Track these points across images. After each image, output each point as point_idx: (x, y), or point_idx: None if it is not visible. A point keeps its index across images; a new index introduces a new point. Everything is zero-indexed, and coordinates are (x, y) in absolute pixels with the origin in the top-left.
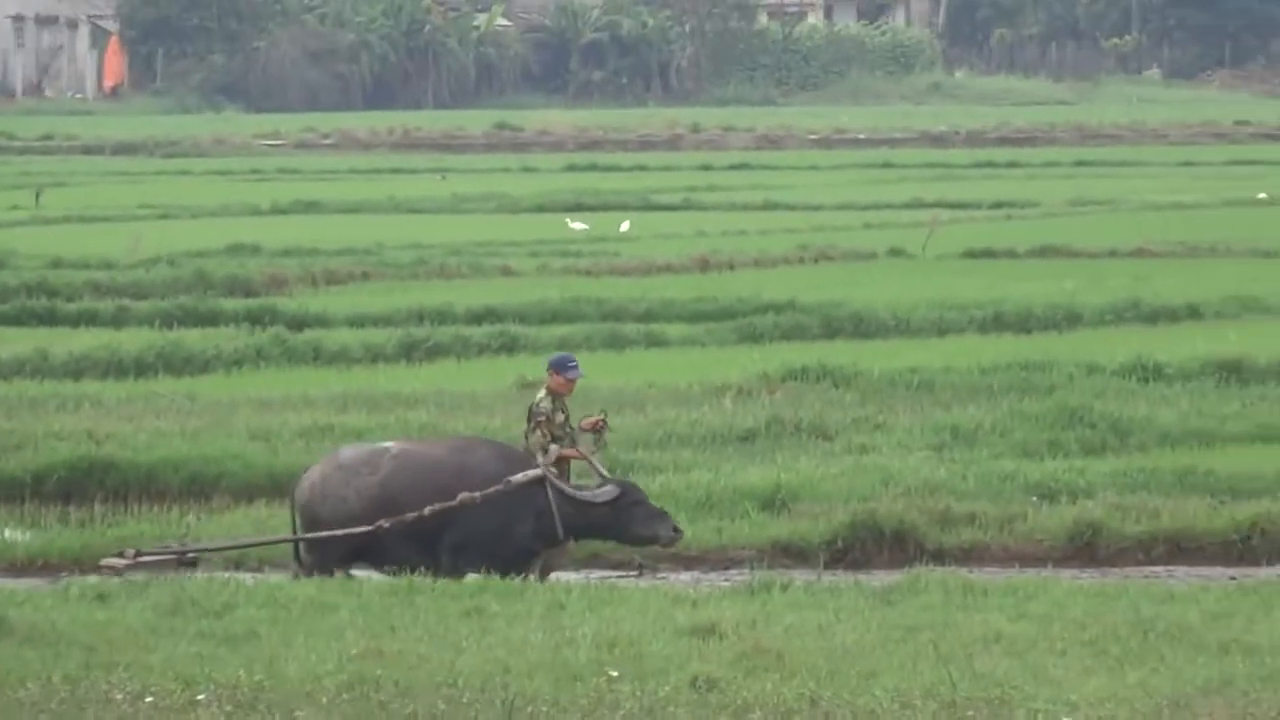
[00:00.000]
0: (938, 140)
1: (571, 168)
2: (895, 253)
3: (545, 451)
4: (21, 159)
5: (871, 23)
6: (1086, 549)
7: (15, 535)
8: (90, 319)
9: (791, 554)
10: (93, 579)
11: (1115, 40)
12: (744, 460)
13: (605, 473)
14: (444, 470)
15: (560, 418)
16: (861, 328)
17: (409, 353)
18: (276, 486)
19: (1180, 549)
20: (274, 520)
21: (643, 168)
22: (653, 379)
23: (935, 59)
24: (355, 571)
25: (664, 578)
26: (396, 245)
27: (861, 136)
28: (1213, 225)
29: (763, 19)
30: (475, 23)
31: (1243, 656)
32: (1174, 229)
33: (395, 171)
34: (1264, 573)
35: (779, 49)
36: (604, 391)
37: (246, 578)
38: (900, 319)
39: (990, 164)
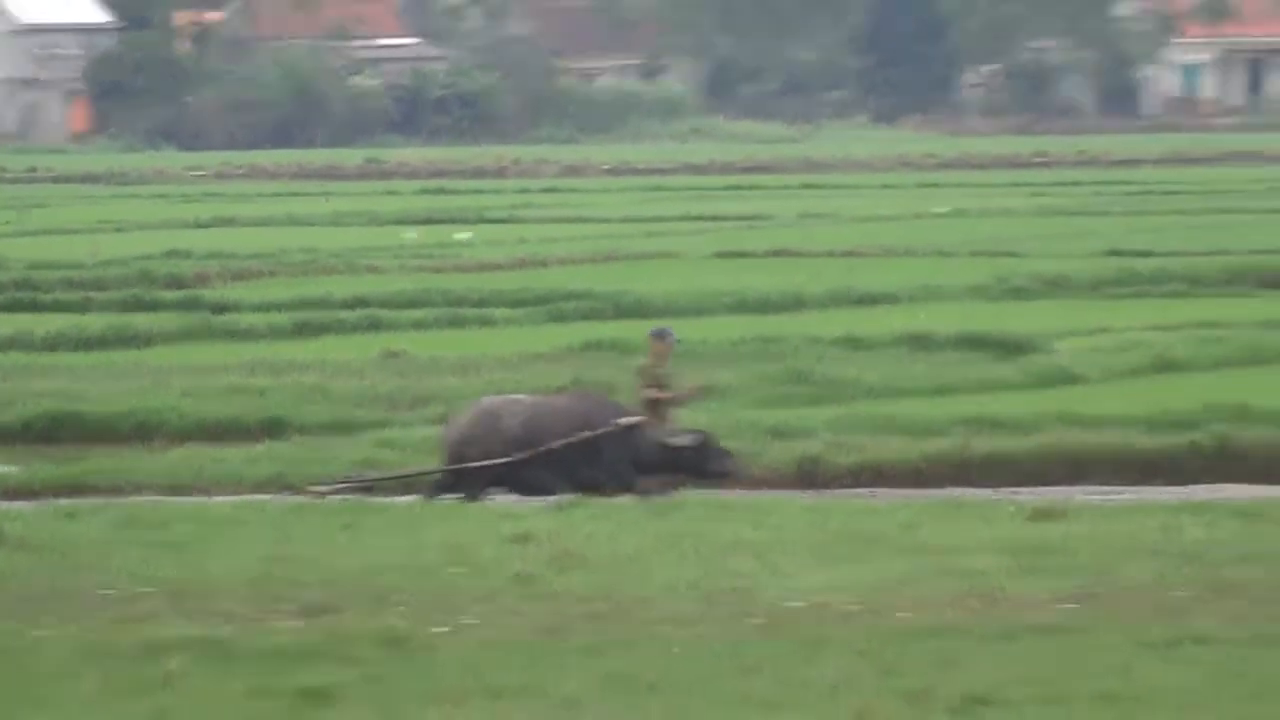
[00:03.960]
0: (698, 169)
1: (424, 191)
2: (666, 254)
3: (644, 398)
4: (11, 187)
5: (649, 80)
6: (809, 476)
7: (6, 469)
8: (63, 306)
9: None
10: (64, 502)
11: (833, 93)
12: None
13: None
14: (572, 415)
15: (660, 371)
16: (642, 310)
17: (301, 330)
18: (204, 431)
19: (881, 475)
20: (197, 458)
21: (478, 191)
22: (485, 350)
23: (697, 108)
24: (494, 495)
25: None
26: (292, 250)
27: (641, 167)
28: (906, 232)
29: (569, 79)
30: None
31: (927, 556)
32: (877, 235)
33: (292, 195)
34: (942, 493)
35: (580, 101)
36: (450, 360)
37: (182, 500)
38: (671, 303)
39: (737, 187)
